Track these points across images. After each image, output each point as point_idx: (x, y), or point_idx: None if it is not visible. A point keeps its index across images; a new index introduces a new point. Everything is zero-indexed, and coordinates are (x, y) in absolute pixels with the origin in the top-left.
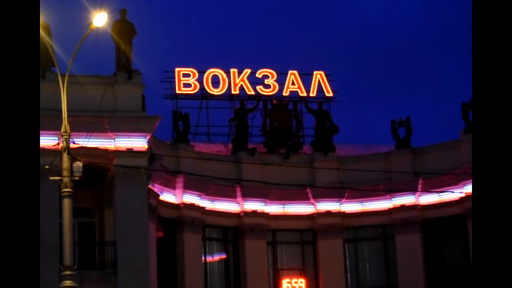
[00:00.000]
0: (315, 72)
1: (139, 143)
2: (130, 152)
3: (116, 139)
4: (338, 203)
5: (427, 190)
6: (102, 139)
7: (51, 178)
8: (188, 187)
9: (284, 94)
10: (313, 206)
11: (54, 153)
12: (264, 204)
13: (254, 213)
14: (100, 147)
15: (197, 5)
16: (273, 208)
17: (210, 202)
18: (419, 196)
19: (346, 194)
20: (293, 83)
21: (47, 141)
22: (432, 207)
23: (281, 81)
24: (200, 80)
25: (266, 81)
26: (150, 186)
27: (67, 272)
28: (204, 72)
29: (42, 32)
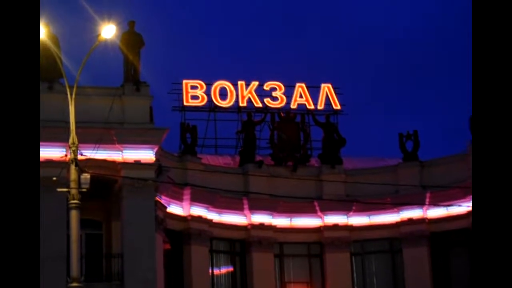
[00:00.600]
0: (322, 85)
1: (146, 155)
2: (137, 164)
3: (124, 151)
4: (346, 216)
5: (435, 203)
6: (109, 150)
7: (58, 189)
8: (196, 199)
9: (291, 106)
10: (320, 219)
11: (62, 164)
12: (271, 216)
13: (261, 225)
14: (107, 159)
15: (205, 18)
16: (281, 221)
17: (218, 214)
18: (426, 209)
19: (354, 207)
20: (300, 96)
21: (55, 152)
22: (439, 221)
23: (288, 93)
24: (207, 93)
25: (273, 94)
26: (157, 198)
27: (74, 284)
28: (212, 85)
29: (50, 43)
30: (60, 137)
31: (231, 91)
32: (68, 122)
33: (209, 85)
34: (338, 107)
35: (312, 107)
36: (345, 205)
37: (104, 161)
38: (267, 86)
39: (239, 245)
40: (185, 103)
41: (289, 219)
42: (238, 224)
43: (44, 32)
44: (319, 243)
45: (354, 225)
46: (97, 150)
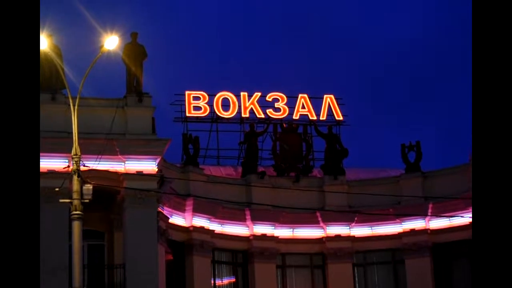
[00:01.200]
0: (325, 96)
1: (149, 166)
2: (140, 174)
3: (126, 162)
4: (348, 227)
5: (437, 214)
6: (112, 161)
7: (61, 200)
8: (198, 210)
9: (294, 117)
10: (322, 230)
11: (64, 175)
12: (273, 227)
13: (263, 236)
14: (110, 170)
15: (207, 29)
16: (283, 232)
17: (220, 225)
18: (429, 220)
19: (356, 218)
20: (303, 107)
21: (57, 163)
22: (442, 232)
23: (291, 104)
24: (210, 103)
25: (276, 105)
26: (159, 209)
27: None
28: (214, 95)
29: (53, 54)
30: (62, 148)
31: (233, 102)
32: (70, 133)
33: (211, 96)
34: (341, 118)
35: (315, 118)
36: (347, 216)
37: (107, 172)
38: (269, 97)
39: (241, 256)
40: (187, 114)
41: (291, 230)
42: (240, 235)
43: (46, 43)
44: (321, 254)
45: (356, 236)
46: (100, 161)
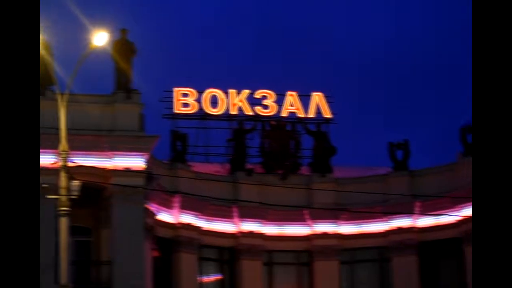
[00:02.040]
0: (313, 94)
1: (136, 162)
2: (127, 171)
3: (114, 158)
4: (335, 225)
5: (424, 212)
6: (100, 158)
7: (48, 196)
8: (185, 207)
9: (282, 115)
10: (309, 227)
11: (52, 171)
12: (261, 224)
13: (250, 233)
14: (97, 166)
15: (196, 26)
16: (270, 229)
17: (207, 222)
18: (416, 218)
19: (343, 216)
20: (291, 104)
21: (45, 159)
22: (429, 230)
23: (279, 102)
24: (198, 100)
25: (264, 102)
26: (147, 206)
27: None
28: (203, 92)
29: (42, 51)
30: (50, 144)
31: (222, 99)
32: (58, 129)
33: (200, 92)
34: (329, 115)
35: (303, 115)
36: (334, 213)
37: (94, 168)
38: (258, 94)
39: (228, 253)
40: (176, 111)
41: (278, 227)
42: (228, 232)
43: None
44: (308, 251)
45: (343, 233)
46: (88, 157)
